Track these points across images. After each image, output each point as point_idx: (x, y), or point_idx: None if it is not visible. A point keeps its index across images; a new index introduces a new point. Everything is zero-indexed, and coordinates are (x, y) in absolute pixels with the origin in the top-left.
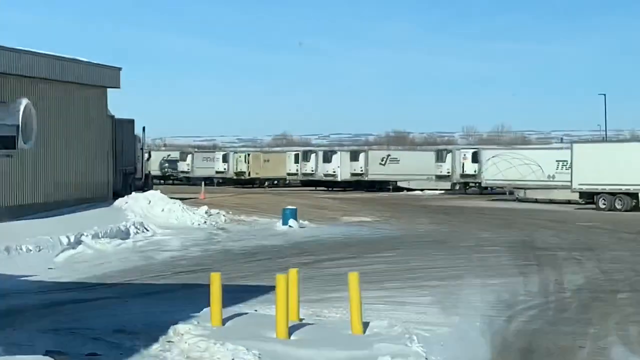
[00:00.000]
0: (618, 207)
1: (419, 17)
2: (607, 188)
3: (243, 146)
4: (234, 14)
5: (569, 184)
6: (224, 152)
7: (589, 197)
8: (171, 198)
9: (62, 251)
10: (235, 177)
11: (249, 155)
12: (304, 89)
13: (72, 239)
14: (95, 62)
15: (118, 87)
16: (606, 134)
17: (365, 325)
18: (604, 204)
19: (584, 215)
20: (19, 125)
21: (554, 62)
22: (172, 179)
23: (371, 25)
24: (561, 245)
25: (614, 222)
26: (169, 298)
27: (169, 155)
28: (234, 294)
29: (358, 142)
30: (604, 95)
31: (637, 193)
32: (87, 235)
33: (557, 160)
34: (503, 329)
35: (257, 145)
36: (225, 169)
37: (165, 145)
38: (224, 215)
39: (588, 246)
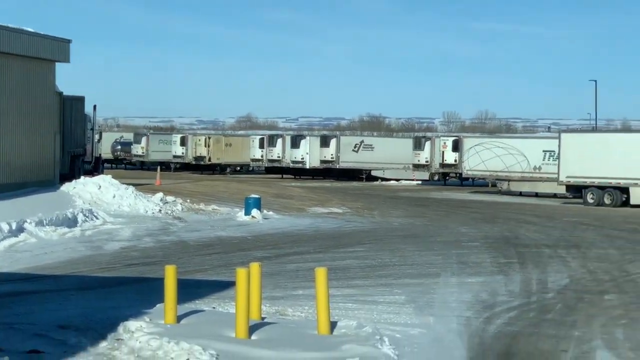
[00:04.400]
0: (607, 202)
1: None
2: (596, 181)
3: (203, 128)
4: None
5: (555, 176)
6: (182, 135)
7: (576, 190)
8: (123, 184)
9: (3, 239)
10: (194, 162)
11: (209, 138)
12: (271, 67)
13: (13, 226)
14: (42, 32)
15: (67, 61)
16: (596, 123)
17: (333, 325)
18: (592, 199)
19: (570, 210)
20: None
21: (544, 45)
22: (124, 163)
23: None
24: (546, 242)
25: (601, 218)
26: (118, 292)
27: (121, 137)
28: (190, 290)
29: (329, 126)
30: (595, 82)
31: (628, 188)
32: (30, 222)
33: (543, 151)
34: (481, 330)
35: (219, 128)
36: (183, 153)
37: (118, 126)
38: (180, 204)
39: (574, 243)
